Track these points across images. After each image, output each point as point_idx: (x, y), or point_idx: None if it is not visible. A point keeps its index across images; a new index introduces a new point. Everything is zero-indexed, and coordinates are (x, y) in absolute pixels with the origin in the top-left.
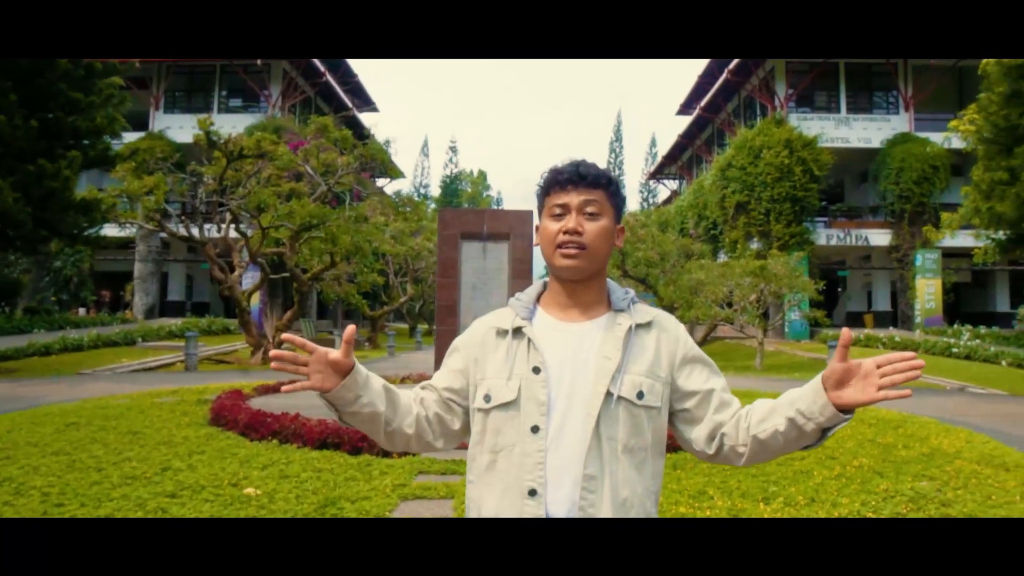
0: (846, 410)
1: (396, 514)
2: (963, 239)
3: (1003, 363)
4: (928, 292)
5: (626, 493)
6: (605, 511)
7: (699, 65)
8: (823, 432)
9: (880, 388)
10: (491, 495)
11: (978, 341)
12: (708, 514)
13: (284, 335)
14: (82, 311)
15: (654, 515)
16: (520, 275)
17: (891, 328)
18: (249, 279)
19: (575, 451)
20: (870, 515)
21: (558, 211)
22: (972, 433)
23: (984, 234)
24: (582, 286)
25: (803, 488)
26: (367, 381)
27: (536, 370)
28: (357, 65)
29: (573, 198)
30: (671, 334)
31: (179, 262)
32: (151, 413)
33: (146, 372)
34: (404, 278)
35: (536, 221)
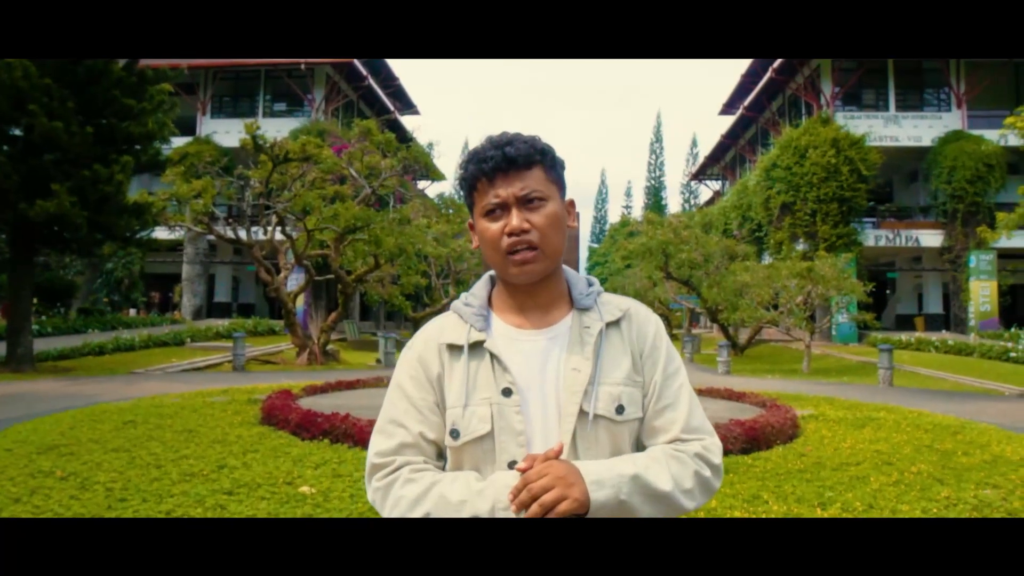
0: None
1: None
2: (1020, 240)
3: None
4: (983, 294)
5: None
6: None
7: (742, 64)
8: None
9: None
10: None
11: None
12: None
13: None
14: (133, 312)
15: None
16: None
17: (943, 331)
18: (294, 281)
19: None
20: None
21: (493, 208)
22: None
23: None
24: (539, 285)
25: (860, 494)
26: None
27: (507, 392)
28: (398, 68)
29: (507, 190)
30: (645, 328)
31: (225, 264)
32: (204, 412)
33: (195, 372)
34: (446, 280)
35: (470, 219)
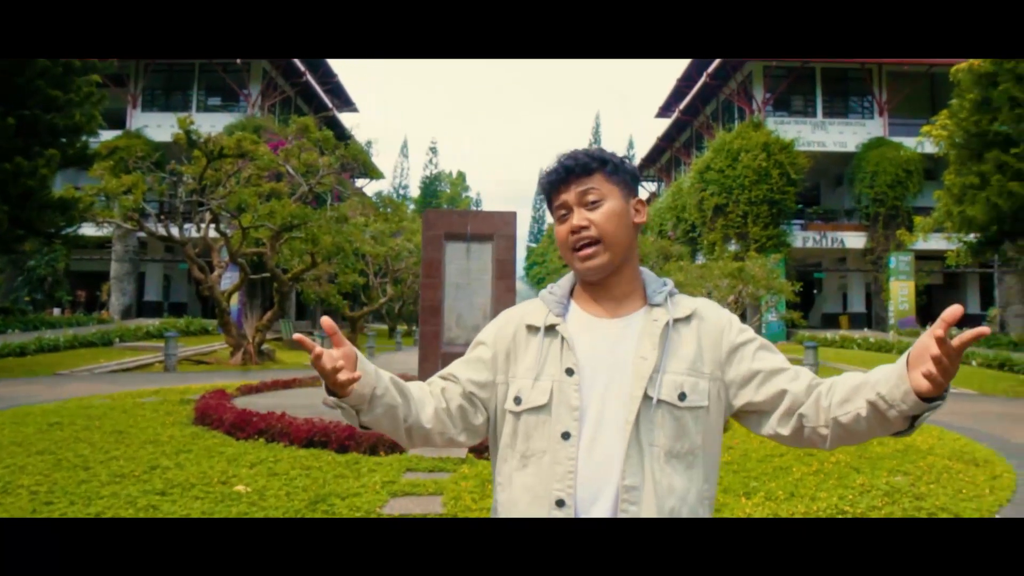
0: (930, 397)
1: (386, 510)
2: (936, 242)
3: (973, 363)
4: (901, 294)
5: (672, 502)
6: None
7: (677, 68)
8: (911, 419)
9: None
10: (519, 503)
11: None
12: None
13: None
14: (57, 311)
15: (708, 516)
16: (503, 276)
17: (865, 329)
18: (228, 279)
19: (612, 460)
20: (847, 509)
21: (562, 212)
22: (944, 430)
23: (956, 237)
24: (612, 279)
25: (783, 483)
26: (378, 373)
27: (569, 372)
28: (337, 65)
29: (569, 195)
30: (714, 324)
31: (156, 262)
32: (134, 413)
33: (125, 372)
34: (384, 279)
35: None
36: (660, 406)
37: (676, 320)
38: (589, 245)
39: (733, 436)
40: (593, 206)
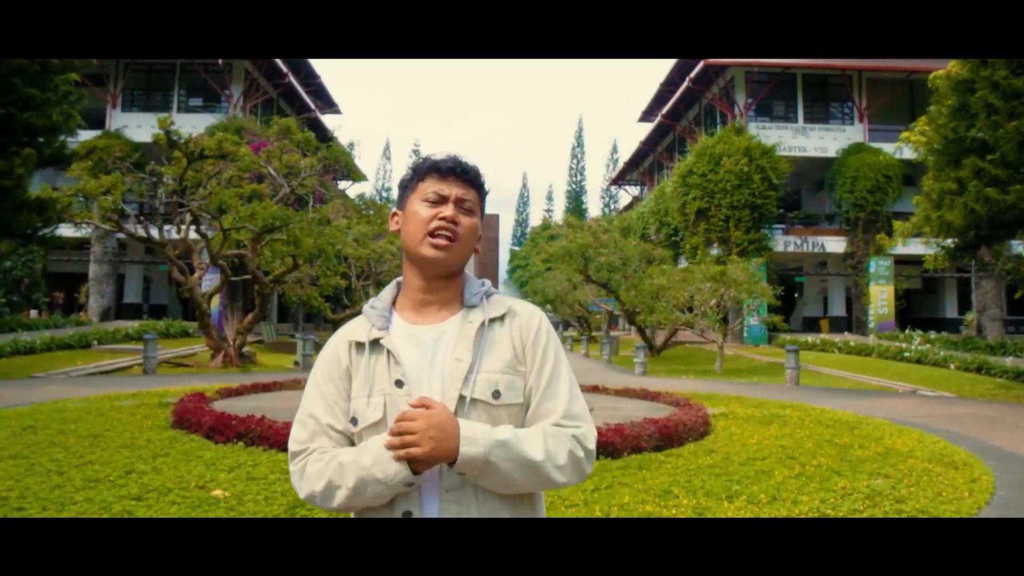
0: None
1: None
2: (914, 247)
3: (951, 367)
4: (881, 298)
5: (493, 503)
6: None
7: (661, 72)
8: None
9: None
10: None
11: (928, 346)
12: (674, 513)
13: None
14: (34, 313)
15: (540, 516)
16: (485, 277)
17: (846, 333)
18: (209, 281)
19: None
20: (829, 512)
21: (434, 197)
22: (923, 433)
23: (934, 242)
24: (441, 282)
25: (765, 487)
26: None
27: (399, 384)
28: (320, 67)
29: (453, 190)
30: (526, 323)
31: (136, 263)
32: (111, 416)
33: (103, 375)
34: (367, 281)
35: (394, 209)
36: (475, 405)
37: (491, 320)
38: (447, 238)
39: (715, 440)
40: (466, 212)
